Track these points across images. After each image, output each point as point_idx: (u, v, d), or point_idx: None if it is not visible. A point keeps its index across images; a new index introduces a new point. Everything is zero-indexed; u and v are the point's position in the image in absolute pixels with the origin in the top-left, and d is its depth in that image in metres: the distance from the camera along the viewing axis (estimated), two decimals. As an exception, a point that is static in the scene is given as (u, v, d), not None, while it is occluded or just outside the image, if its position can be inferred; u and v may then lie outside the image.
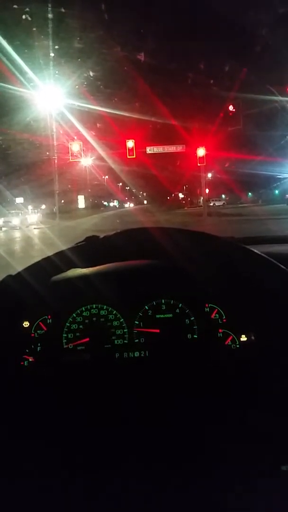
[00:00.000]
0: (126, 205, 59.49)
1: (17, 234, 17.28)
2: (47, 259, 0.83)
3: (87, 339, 1.08)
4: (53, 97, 15.86)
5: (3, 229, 20.56)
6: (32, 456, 0.88)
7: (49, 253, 0.85)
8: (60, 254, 0.83)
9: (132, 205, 60.21)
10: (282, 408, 0.90)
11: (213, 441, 0.89)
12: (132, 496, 0.83)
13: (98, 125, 19.82)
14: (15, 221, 21.82)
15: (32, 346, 1.07)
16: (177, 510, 0.82)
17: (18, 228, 20.62)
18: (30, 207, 30.96)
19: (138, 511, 0.82)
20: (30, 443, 0.89)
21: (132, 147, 17.27)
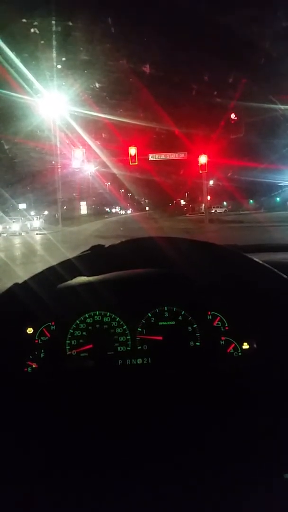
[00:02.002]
0: (121, 212, 58.80)
1: (17, 240, 17.36)
2: (53, 268, 0.84)
3: (91, 346, 1.09)
4: (59, 107, 16.08)
5: (3, 234, 20.62)
6: (34, 463, 0.88)
7: (50, 258, 0.90)
8: (65, 263, 0.84)
9: (129, 211, 59.48)
10: (284, 415, 0.90)
11: (214, 448, 0.89)
12: (132, 503, 0.83)
13: (102, 134, 20.04)
14: (15, 227, 21.90)
15: (36, 353, 1.07)
16: None
17: (17, 234, 20.67)
18: (32, 213, 31.14)
19: None
20: (32, 449, 0.89)
21: (135, 154, 17.40)
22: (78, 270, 0.85)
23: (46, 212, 35.38)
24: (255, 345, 1.08)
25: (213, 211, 40.80)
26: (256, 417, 0.92)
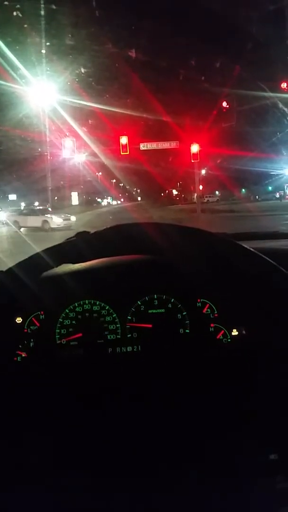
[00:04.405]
0: (113, 202, 57.44)
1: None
2: (38, 255, 0.83)
3: (80, 335, 1.09)
4: (45, 93, 15.73)
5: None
6: (25, 453, 0.88)
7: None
8: (51, 249, 0.83)
9: (120, 202, 58.00)
10: (273, 399, 0.92)
11: (205, 435, 0.90)
12: (125, 490, 0.84)
13: (90, 121, 19.73)
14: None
15: (25, 342, 1.07)
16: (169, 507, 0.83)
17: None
18: (23, 204, 30.75)
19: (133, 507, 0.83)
20: (23, 439, 0.89)
21: (126, 144, 17.19)
22: (64, 257, 0.84)
23: (36, 203, 35.04)
24: (244, 332, 1.09)
25: (205, 200, 40.84)
26: (245, 402, 0.93)
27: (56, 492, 0.85)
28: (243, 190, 45.28)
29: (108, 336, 1.10)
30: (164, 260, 0.97)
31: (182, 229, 0.86)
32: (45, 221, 18.05)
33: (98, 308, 1.11)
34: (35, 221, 18.23)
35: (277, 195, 35.01)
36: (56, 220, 18.05)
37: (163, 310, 1.11)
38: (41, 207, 21.54)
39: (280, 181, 33.21)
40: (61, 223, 17.86)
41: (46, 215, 18.75)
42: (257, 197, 40.42)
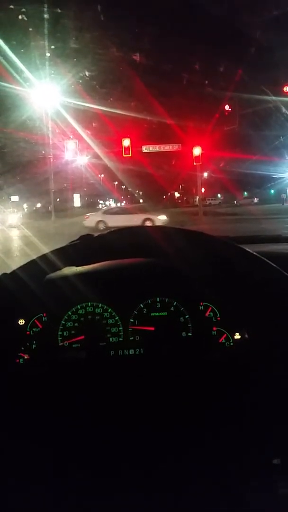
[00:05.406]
0: (115, 205, 56.46)
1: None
2: (42, 258, 0.83)
3: (82, 337, 1.09)
4: (49, 96, 15.86)
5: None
6: (26, 456, 0.88)
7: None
8: (54, 252, 0.83)
9: (118, 204, 57.04)
10: (275, 403, 0.91)
11: (207, 438, 0.90)
12: (127, 494, 0.84)
13: (94, 124, 19.83)
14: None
15: (28, 344, 1.07)
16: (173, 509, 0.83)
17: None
18: (25, 205, 30.86)
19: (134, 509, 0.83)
20: (24, 441, 0.89)
21: (128, 146, 17.25)
22: (67, 259, 0.84)
23: (39, 205, 35.18)
24: (246, 335, 1.08)
25: (207, 203, 40.88)
26: (248, 406, 0.93)
27: (56, 492, 0.85)
28: (245, 193, 45.29)
29: (111, 339, 1.10)
30: (167, 263, 0.97)
31: (184, 232, 0.86)
32: (148, 219, 16.39)
33: (100, 310, 1.11)
34: (132, 220, 16.38)
35: (255, 200, 35.27)
36: (161, 218, 16.62)
37: (165, 313, 1.11)
38: (129, 205, 19.83)
39: (282, 185, 33.22)
40: (165, 221, 16.35)
41: (146, 213, 17.28)
42: (235, 201, 40.50)
